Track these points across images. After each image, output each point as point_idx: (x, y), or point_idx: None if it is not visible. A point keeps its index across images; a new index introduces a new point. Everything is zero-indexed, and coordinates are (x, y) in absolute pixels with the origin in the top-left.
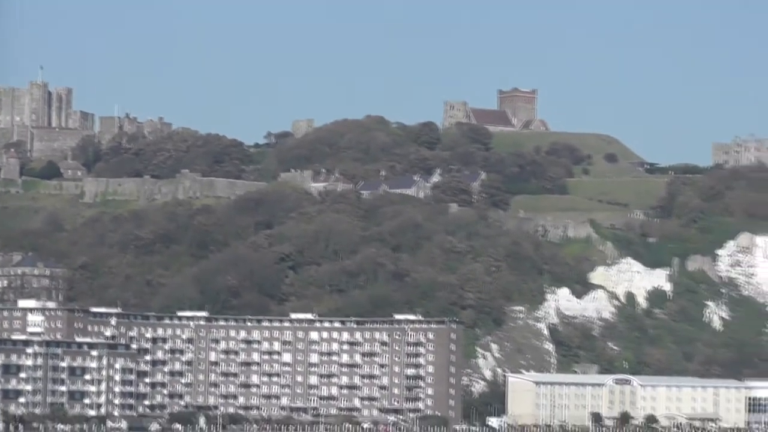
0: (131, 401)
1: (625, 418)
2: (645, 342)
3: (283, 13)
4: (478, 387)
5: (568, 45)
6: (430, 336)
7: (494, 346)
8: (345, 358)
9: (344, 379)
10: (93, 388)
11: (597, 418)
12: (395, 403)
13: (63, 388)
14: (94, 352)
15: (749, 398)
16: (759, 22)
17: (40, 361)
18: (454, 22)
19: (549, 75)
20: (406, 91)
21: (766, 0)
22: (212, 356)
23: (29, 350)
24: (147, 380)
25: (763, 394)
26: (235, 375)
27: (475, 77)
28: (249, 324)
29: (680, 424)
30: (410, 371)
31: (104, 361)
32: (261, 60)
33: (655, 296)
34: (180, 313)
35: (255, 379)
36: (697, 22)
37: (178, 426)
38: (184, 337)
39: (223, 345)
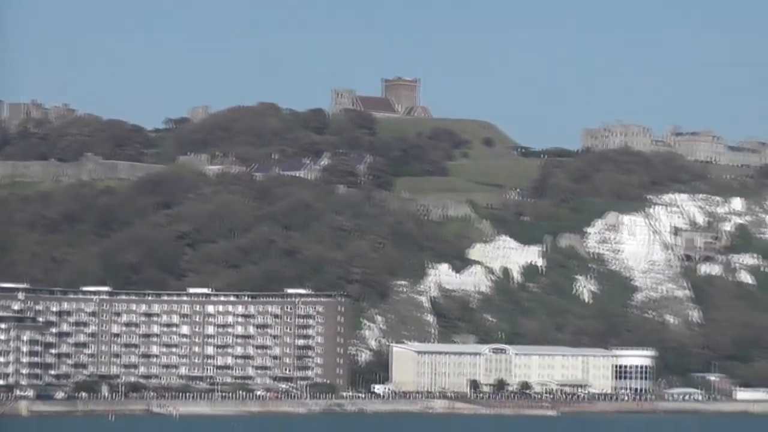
0: (38, 371)
1: (500, 385)
2: (519, 314)
3: (181, 4)
4: (364, 356)
5: (448, 36)
6: (319, 309)
7: (379, 318)
8: (239, 329)
9: (239, 350)
10: (1, 359)
11: (475, 384)
12: (287, 372)
13: None
14: (3, 325)
15: (616, 366)
16: (625, 13)
17: None
18: (341, 14)
19: (430, 64)
20: (297, 79)
21: None
22: (114, 328)
23: None
24: (53, 351)
25: (629, 362)
26: (135, 346)
27: (361, 67)
28: (149, 298)
29: (552, 390)
30: (300, 342)
31: (12, 334)
32: (161, 50)
33: (529, 271)
34: (84, 288)
35: (155, 349)
36: (565, 13)
37: (83, 394)
38: (88, 310)
39: (124, 318)
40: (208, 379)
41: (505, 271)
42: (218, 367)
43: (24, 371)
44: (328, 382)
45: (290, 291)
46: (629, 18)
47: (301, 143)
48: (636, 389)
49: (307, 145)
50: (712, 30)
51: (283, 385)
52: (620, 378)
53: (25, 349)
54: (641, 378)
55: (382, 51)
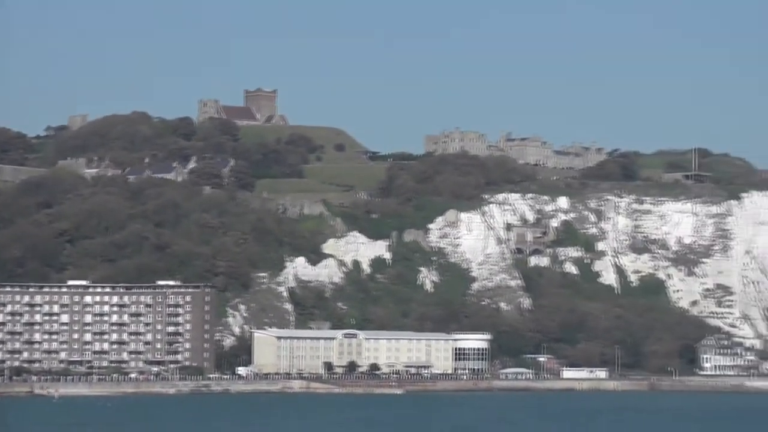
0: None
1: (352, 366)
2: (369, 302)
3: (56, 16)
4: (229, 341)
5: (304, 51)
6: (188, 299)
7: (242, 307)
8: (115, 318)
9: (114, 336)
10: None
11: (329, 366)
12: (158, 356)
13: None
14: None
15: (455, 348)
16: (460, 25)
17: None
18: (206, 30)
19: (288, 77)
20: (167, 90)
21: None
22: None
23: None
24: None
25: (467, 345)
26: (20, 333)
27: (225, 79)
28: (32, 290)
29: (398, 370)
30: (170, 329)
31: None
32: (41, 61)
33: (377, 263)
34: None
35: (37, 336)
36: (405, 28)
37: None
38: None
39: (9, 308)
40: (87, 363)
41: (356, 264)
42: (95, 352)
43: None
44: (196, 365)
45: (161, 283)
46: (466, 29)
47: (170, 148)
48: (474, 369)
49: (176, 150)
50: (535, 41)
51: (155, 368)
52: (459, 359)
53: None
54: (478, 359)
55: (244, 64)
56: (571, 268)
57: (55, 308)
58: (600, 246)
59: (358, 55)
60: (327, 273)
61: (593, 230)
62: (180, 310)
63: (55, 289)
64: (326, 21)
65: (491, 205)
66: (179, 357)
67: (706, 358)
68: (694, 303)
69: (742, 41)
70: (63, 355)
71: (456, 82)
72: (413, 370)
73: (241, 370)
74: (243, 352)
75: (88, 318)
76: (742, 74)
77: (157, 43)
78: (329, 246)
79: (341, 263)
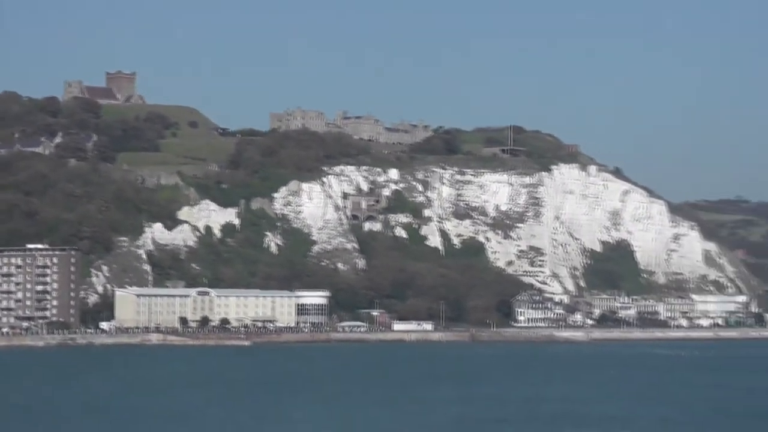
0: None
1: (205, 321)
2: (220, 263)
3: None
4: (93, 299)
5: (162, 35)
6: (55, 260)
7: (105, 268)
8: None
9: None
10: None
11: (184, 321)
12: (28, 313)
13: None
14: None
15: (298, 304)
16: (305, 12)
17: None
18: (73, 16)
19: (147, 59)
20: (34, 71)
21: None
22: None
23: None
24: None
25: (308, 301)
26: None
27: (88, 61)
28: None
29: (246, 324)
30: (39, 288)
31: None
32: None
33: (227, 228)
34: None
35: None
36: (251, 8)
37: None
38: None
39: None
40: None
41: (208, 229)
42: None
43: None
44: (63, 320)
45: (30, 246)
46: (307, 13)
47: (38, 125)
48: (314, 323)
49: (44, 126)
50: (371, 25)
51: (25, 324)
52: (301, 314)
53: None
54: (318, 314)
55: (106, 48)
56: (401, 233)
57: None
58: (426, 213)
59: (209, 39)
60: (182, 237)
61: (420, 199)
62: (48, 271)
63: None
64: (179, 10)
65: (330, 177)
66: (47, 313)
67: (521, 312)
68: (510, 263)
69: (548, 27)
70: None
71: (298, 64)
72: (260, 324)
73: (104, 325)
74: (106, 308)
75: None
76: (551, 58)
77: (25, 27)
78: (184, 213)
79: (195, 228)
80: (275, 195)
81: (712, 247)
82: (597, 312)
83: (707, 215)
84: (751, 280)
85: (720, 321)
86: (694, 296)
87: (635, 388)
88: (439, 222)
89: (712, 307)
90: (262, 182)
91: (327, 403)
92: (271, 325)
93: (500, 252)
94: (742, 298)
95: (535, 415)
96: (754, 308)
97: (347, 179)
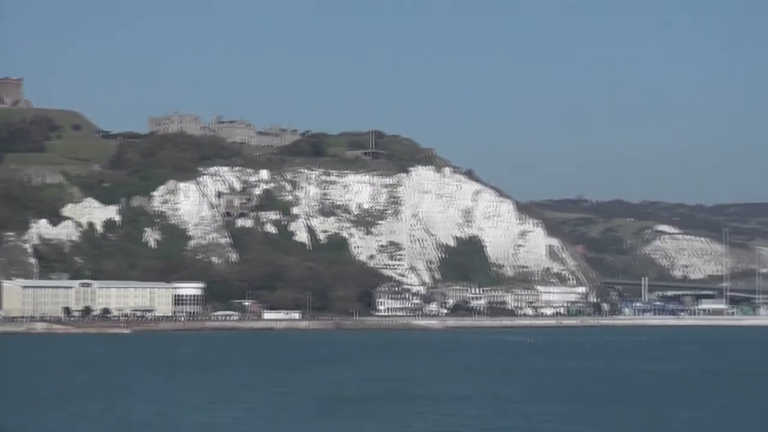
0: None
1: (87, 311)
2: (101, 257)
3: None
4: None
5: (50, 39)
6: None
7: None
8: None
9: None
10: None
11: (67, 311)
12: None
13: None
14: None
15: (174, 295)
16: (177, 16)
17: None
18: None
19: (33, 66)
20: None
21: None
22: None
23: None
24: None
25: (185, 292)
26: None
27: None
28: None
29: (126, 313)
30: None
31: None
32: None
33: (109, 224)
34: None
35: None
36: (131, 21)
37: None
38: None
39: None
40: None
41: (91, 225)
42: None
43: None
44: None
45: None
46: (181, 17)
47: None
48: (190, 312)
49: None
50: (240, 35)
51: None
52: (178, 304)
53: None
54: (194, 304)
55: None
56: (271, 229)
57: None
58: (295, 210)
59: (93, 47)
60: (66, 232)
61: (289, 197)
62: None
63: None
64: (65, 18)
65: (205, 176)
66: None
67: (381, 302)
68: (371, 257)
69: (406, 35)
70: None
71: (176, 71)
72: (139, 314)
73: None
74: None
75: None
76: (410, 68)
77: None
78: (68, 210)
79: (78, 224)
80: (154, 193)
81: (555, 242)
82: (451, 302)
83: (551, 213)
84: (590, 273)
85: (562, 310)
86: (538, 287)
87: (482, 371)
88: (306, 219)
89: (555, 297)
90: (141, 181)
91: (201, 385)
92: (150, 314)
93: (362, 247)
94: (581, 289)
95: (394, 394)
96: (592, 298)
97: (221, 179)
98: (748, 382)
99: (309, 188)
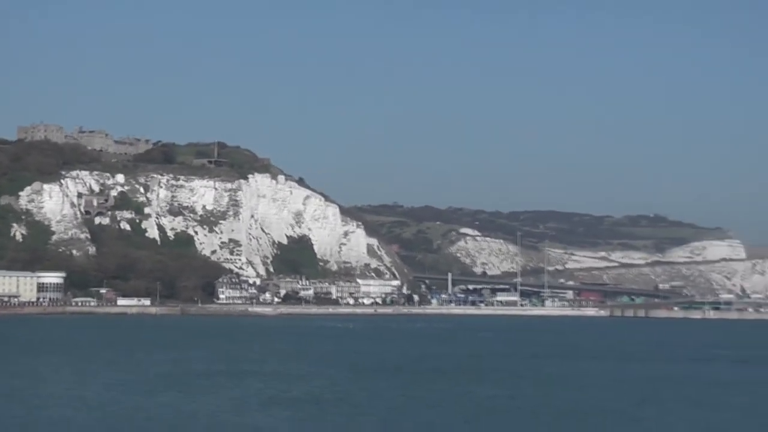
0: None
1: None
2: None
3: None
4: None
5: None
6: None
7: None
8: None
9: None
10: None
11: None
12: None
13: None
14: None
15: (38, 283)
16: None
17: None
18: None
19: None
20: None
21: None
22: None
23: None
24: None
25: (47, 281)
26: None
27: None
28: None
29: None
30: None
31: None
32: None
33: None
34: None
35: None
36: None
37: None
38: None
39: None
40: None
41: None
42: None
43: None
44: None
45: None
46: (42, 40)
47: None
48: (52, 298)
49: None
50: (96, 50)
51: None
52: (41, 291)
53: None
54: (56, 291)
55: None
56: (125, 226)
57: None
58: (147, 210)
59: None
60: None
61: (142, 199)
62: None
63: None
64: None
65: (67, 179)
66: None
67: (222, 291)
68: (214, 252)
69: (251, 61)
70: None
71: (42, 81)
72: (5, 299)
73: None
74: None
75: None
76: (247, 87)
77: None
78: None
79: None
80: (21, 193)
81: (373, 242)
82: (283, 292)
83: (370, 217)
84: (403, 268)
85: (379, 300)
86: (359, 280)
87: (306, 352)
88: (156, 218)
89: (373, 289)
90: (9, 183)
91: (62, 363)
92: (15, 300)
93: (206, 243)
94: (396, 283)
95: (232, 371)
96: (405, 290)
97: (81, 182)
98: (528, 363)
99: (159, 191)
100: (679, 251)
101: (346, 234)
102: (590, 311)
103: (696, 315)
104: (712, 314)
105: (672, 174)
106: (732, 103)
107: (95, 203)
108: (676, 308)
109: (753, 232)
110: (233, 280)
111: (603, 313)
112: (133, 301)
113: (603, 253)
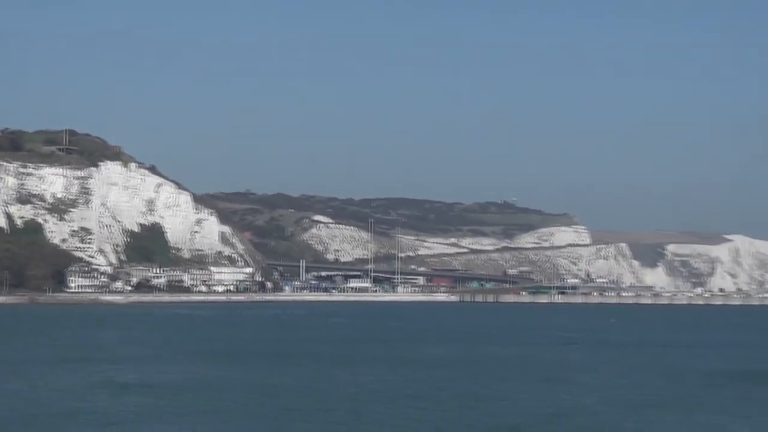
0: None
1: None
2: None
3: None
4: None
5: None
6: None
7: None
8: None
9: None
10: None
11: None
12: None
13: None
14: None
15: None
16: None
17: None
18: None
19: None
20: None
21: None
22: None
23: None
24: None
25: None
26: None
27: None
28: None
29: None
30: None
31: None
32: None
33: None
34: None
35: None
36: None
37: None
38: None
39: None
40: None
41: None
42: None
43: None
44: None
45: None
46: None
47: None
48: None
49: None
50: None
51: None
52: None
53: None
54: None
55: None
56: None
57: None
58: None
59: None
60: None
61: None
62: None
63: None
64: None
65: None
66: None
67: (72, 280)
68: (64, 240)
69: (99, 47)
70: None
71: None
72: None
73: None
74: None
75: None
76: (98, 73)
77: None
78: None
79: None
80: None
81: (226, 229)
82: (135, 280)
83: (223, 204)
84: (256, 256)
85: (232, 287)
86: (212, 268)
87: (159, 338)
88: (4, 206)
89: (226, 276)
90: None
91: None
92: None
93: (56, 231)
94: (249, 270)
95: (88, 356)
96: (258, 278)
97: None
98: (379, 347)
99: (8, 179)
100: (527, 237)
101: (198, 222)
102: (441, 297)
103: (543, 299)
104: (558, 298)
105: (520, 161)
106: (566, 92)
107: None
108: (524, 293)
109: (598, 218)
110: (84, 268)
111: (453, 298)
112: None
113: (453, 240)
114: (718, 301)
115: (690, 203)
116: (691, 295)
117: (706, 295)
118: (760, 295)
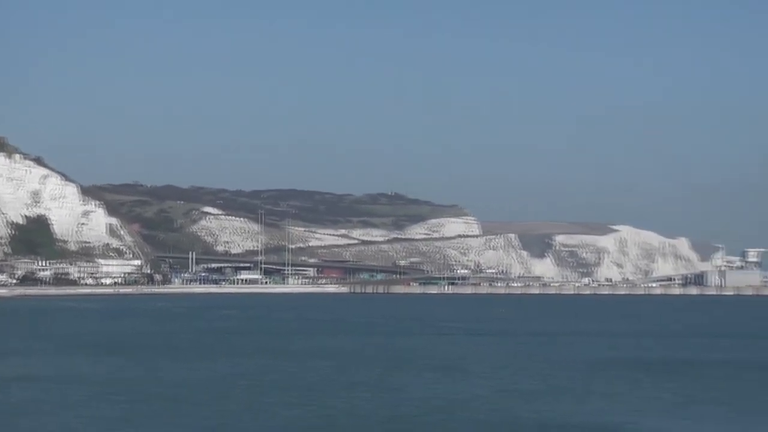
0: None
1: None
2: None
3: None
4: None
5: None
6: None
7: None
8: None
9: None
10: None
11: None
12: None
13: None
14: None
15: None
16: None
17: None
18: None
19: None
20: None
21: None
22: None
23: None
24: None
25: None
26: None
27: None
28: None
29: None
30: None
31: None
32: None
33: None
34: None
35: None
36: None
37: None
38: None
39: None
40: None
41: None
42: None
43: None
44: None
45: None
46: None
47: None
48: None
49: None
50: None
51: None
52: None
53: None
54: None
55: None
56: None
57: None
58: None
59: None
60: None
61: None
62: None
63: None
64: None
65: None
66: None
67: None
68: None
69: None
70: None
71: None
72: None
73: None
74: None
75: None
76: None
77: None
78: None
79: None
80: None
81: (114, 221)
82: (20, 273)
83: (111, 196)
84: (145, 248)
85: (120, 280)
86: (100, 260)
87: (49, 332)
88: None
89: (114, 269)
90: None
91: None
92: None
93: None
94: (137, 262)
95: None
96: (146, 270)
97: None
98: (272, 340)
99: None
100: (417, 228)
101: (86, 213)
102: (331, 288)
103: (433, 290)
104: (448, 289)
105: (410, 152)
106: (454, 83)
107: None
108: (414, 284)
109: (488, 209)
110: None
111: (344, 289)
112: None
113: (344, 231)
114: (605, 291)
115: (579, 194)
116: (579, 285)
117: (593, 285)
118: (645, 285)
